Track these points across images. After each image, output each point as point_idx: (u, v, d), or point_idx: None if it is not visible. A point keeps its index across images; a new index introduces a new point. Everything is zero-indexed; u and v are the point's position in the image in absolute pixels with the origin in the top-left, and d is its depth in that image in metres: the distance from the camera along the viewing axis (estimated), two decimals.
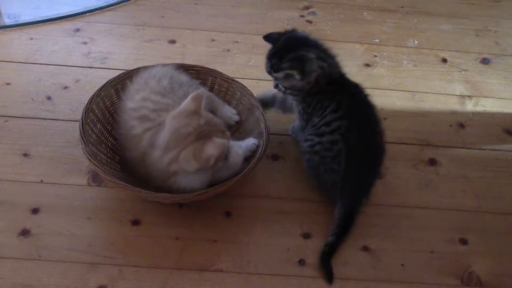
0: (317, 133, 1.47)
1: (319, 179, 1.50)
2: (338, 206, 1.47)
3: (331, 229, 1.46)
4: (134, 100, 1.51)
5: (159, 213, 1.48)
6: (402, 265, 1.43)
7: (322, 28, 2.19)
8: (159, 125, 1.45)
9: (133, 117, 1.49)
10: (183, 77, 1.62)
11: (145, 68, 1.62)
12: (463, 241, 1.50)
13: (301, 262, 1.42)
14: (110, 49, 1.99)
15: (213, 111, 1.66)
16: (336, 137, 1.44)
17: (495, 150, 1.76)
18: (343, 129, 1.44)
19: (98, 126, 1.57)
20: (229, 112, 1.69)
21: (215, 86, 1.73)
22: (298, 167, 1.58)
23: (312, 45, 1.50)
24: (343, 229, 1.45)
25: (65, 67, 1.89)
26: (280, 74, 1.47)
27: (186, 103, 1.39)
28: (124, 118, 1.51)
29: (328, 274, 1.39)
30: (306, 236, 1.47)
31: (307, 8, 2.29)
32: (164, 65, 1.64)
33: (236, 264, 1.40)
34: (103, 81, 1.62)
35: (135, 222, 1.46)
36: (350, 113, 1.45)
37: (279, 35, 1.51)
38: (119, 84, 1.62)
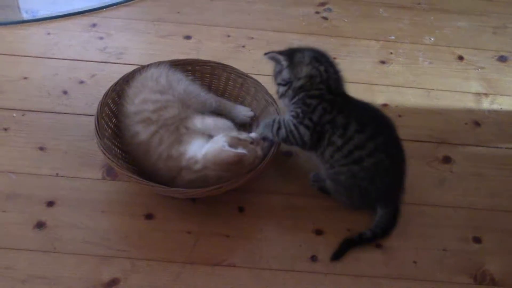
0: (354, 161, 1.40)
1: (366, 197, 1.46)
2: (384, 208, 1.47)
3: (374, 224, 1.46)
4: (134, 103, 1.52)
5: (172, 207, 1.49)
6: (415, 262, 1.43)
7: (338, 25, 2.18)
8: (163, 126, 1.47)
9: (135, 121, 1.50)
10: (179, 75, 1.62)
11: (140, 71, 1.62)
12: (477, 240, 1.49)
13: (313, 258, 1.42)
14: (126, 44, 2.00)
15: (226, 114, 1.67)
16: (380, 156, 1.40)
17: (510, 148, 1.75)
18: (381, 146, 1.40)
19: (113, 121, 1.58)
20: (243, 112, 1.68)
21: (230, 82, 1.73)
22: (311, 164, 1.57)
23: (317, 51, 1.48)
24: (385, 231, 1.46)
25: (81, 61, 1.91)
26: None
27: (229, 155, 1.37)
28: (127, 123, 1.52)
29: (338, 254, 1.42)
30: (319, 232, 1.47)
31: (323, 4, 2.28)
32: (158, 64, 1.63)
33: (248, 259, 1.41)
34: (119, 76, 1.63)
35: (149, 216, 1.47)
36: (378, 128, 1.42)
37: None
38: None
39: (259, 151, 1.44)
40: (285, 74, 1.46)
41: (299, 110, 1.44)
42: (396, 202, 1.49)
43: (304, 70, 1.44)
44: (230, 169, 1.40)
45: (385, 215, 1.47)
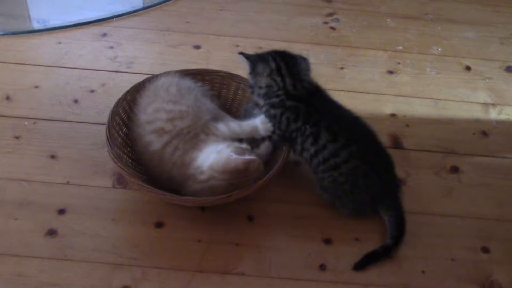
0: (331, 167, 1.44)
1: (355, 201, 1.48)
2: (388, 212, 1.48)
3: (388, 232, 1.46)
4: (147, 112, 1.54)
5: (182, 216, 1.50)
6: (423, 272, 1.43)
7: (346, 35, 2.20)
8: (177, 136, 1.49)
9: (148, 131, 1.51)
10: (188, 82, 1.63)
11: (150, 80, 1.63)
12: (485, 250, 1.49)
13: (322, 267, 1.42)
14: (136, 54, 2.02)
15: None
16: (354, 162, 1.43)
17: None
18: (356, 153, 1.43)
19: (124, 130, 1.60)
20: None
21: (239, 92, 1.74)
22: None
23: (283, 61, 1.51)
24: (401, 232, 1.46)
25: (92, 71, 1.93)
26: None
27: (238, 163, 1.39)
28: (139, 133, 1.53)
29: (359, 265, 1.42)
30: (327, 241, 1.48)
31: (330, 14, 2.29)
32: (168, 73, 1.65)
33: (258, 267, 1.41)
34: (129, 85, 1.64)
35: (159, 224, 1.48)
36: (351, 136, 1.44)
37: None
38: None
39: (258, 159, 1.46)
40: (250, 79, 1.55)
41: (270, 121, 1.52)
42: (395, 205, 1.49)
43: (263, 81, 1.51)
44: (238, 177, 1.41)
45: (391, 218, 1.47)
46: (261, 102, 1.55)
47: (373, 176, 1.44)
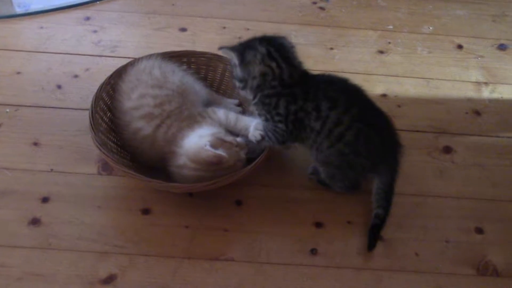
0: (336, 139, 1.38)
1: (356, 170, 1.44)
2: (378, 180, 1.45)
3: (375, 202, 1.45)
4: (132, 99, 1.49)
5: (169, 202, 1.47)
6: (417, 254, 1.41)
7: (335, 15, 2.16)
8: (168, 118, 1.46)
9: (136, 117, 1.47)
10: (171, 66, 1.60)
11: (132, 64, 1.59)
12: (479, 230, 1.47)
13: (313, 251, 1.40)
14: (120, 38, 1.97)
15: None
16: (358, 125, 1.36)
17: (511, 137, 1.73)
18: (356, 116, 1.37)
19: (108, 115, 1.56)
20: (230, 104, 1.68)
21: (226, 73, 1.71)
22: (309, 156, 1.54)
23: (272, 44, 1.40)
24: (388, 200, 1.44)
25: (75, 55, 1.89)
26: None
27: (208, 155, 1.35)
28: (126, 120, 1.49)
29: (372, 244, 1.41)
30: (318, 225, 1.45)
31: None
32: (150, 56, 1.61)
33: (247, 253, 1.39)
34: (113, 70, 1.60)
35: (145, 211, 1.45)
36: (349, 100, 1.38)
37: None
38: None
39: (242, 155, 1.42)
40: (239, 72, 1.42)
41: (264, 113, 1.43)
42: (392, 168, 1.45)
43: (257, 70, 1.39)
44: (208, 169, 1.37)
45: (383, 182, 1.44)
46: (252, 96, 1.44)
47: (374, 137, 1.39)
